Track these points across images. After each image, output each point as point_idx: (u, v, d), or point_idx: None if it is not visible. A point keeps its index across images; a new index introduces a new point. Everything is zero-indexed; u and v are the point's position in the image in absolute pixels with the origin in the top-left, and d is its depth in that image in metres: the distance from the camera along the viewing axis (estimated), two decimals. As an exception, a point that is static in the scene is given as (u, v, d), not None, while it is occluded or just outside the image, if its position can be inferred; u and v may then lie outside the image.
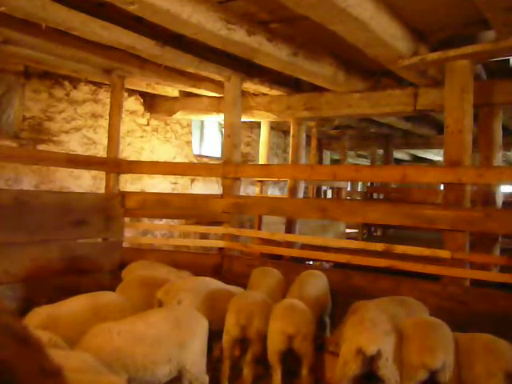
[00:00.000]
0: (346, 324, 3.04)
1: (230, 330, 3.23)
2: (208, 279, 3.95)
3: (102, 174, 6.44)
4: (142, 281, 3.95)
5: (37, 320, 2.89)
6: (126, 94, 7.28)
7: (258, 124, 8.87)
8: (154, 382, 2.64)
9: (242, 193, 5.88)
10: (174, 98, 7.67)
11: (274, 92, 6.71)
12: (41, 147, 6.72)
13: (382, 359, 2.67)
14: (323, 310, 4.00)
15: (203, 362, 2.93)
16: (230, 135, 5.78)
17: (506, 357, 2.63)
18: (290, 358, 3.18)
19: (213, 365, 3.43)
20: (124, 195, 5.55)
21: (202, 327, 2.98)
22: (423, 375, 2.59)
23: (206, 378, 2.93)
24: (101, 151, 7.25)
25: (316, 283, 4.06)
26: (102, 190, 6.09)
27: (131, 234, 6.85)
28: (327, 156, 14.68)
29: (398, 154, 15.26)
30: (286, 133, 11.91)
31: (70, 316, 2.99)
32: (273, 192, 11.71)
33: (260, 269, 4.40)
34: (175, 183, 8.85)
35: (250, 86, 6.38)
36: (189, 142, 9.31)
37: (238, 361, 3.46)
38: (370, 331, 2.73)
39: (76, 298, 3.21)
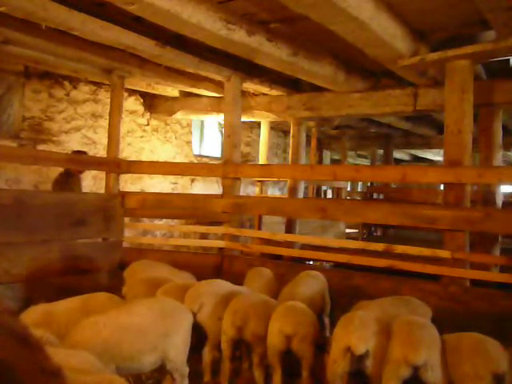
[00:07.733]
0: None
1: (226, 330, 3.25)
2: (222, 282, 3.89)
3: (102, 174, 6.44)
4: (150, 281, 3.95)
5: (32, 318, 2.94)
6: (126, 94, 7.28)
7: (258, 124, 8.87)
8: (140, 370, 2.78)
9: (242, 193, 5.88)
10: (174, 98, 7.68)
11: (274, 92, 6.71)
12: (41, 147, 6.72)
13: (370, 359, 2.69)
14: (319, 310, 3.96)
15: (185, 354, 2.99)
16: (230, 135, 5.78)
17: (494, 359, 2.56)
18: (290, 359, 3.18)
19: (214, 366, 3.43)
20: (124, 195, 5.55)
21: (186, 319, 3.05)
22: (405, 371, 2.55)
23: (187, 370, 2.99)
24: (101, 151, 7.25)
25: (310, 283, 4.03)
26: (102, 190, 6.09)
27: (131, 234, 6.85)
28: (327, 156, 14.68)
29: (398, 154, 15.26)
30: (286, 133, 11.91)
31: (64, 315, 3.05)
32: (273, 192, 11.71)
33: (252, 269, 4.40)
34: (175, 183, 8.85)
35: (250, 86, 6.38)
36: (189, 142, 9.31)
37: (239, 361, 3.45)
38: (359, 331, 2.73)
39: (72, 299, 3.27)
